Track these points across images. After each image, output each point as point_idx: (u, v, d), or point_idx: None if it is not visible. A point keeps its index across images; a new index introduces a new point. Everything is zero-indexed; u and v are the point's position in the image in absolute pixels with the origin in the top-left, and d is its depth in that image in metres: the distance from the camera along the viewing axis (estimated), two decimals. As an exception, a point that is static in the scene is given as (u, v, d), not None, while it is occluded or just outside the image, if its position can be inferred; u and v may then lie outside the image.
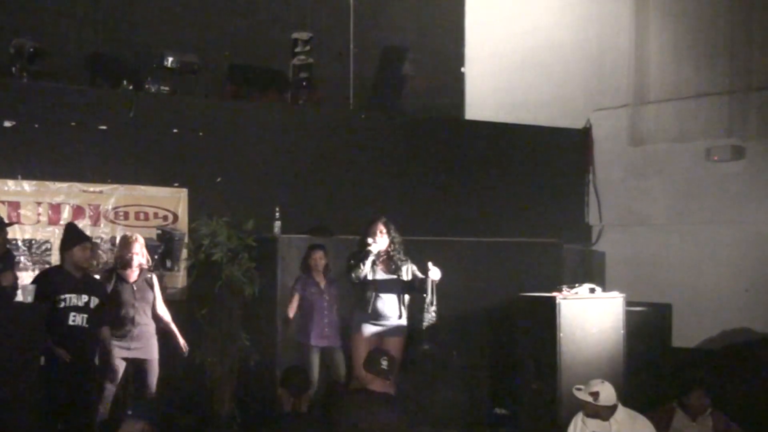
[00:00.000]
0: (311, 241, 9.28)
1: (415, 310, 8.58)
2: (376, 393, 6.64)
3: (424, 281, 8.40)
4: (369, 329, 8.41)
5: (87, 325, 7.74)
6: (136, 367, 8.38)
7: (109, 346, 8.13)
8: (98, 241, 9.07)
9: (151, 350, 8.40)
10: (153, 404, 7.92)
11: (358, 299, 8.47)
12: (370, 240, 8.40)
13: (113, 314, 8.15)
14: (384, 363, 6.72)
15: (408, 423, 6.68)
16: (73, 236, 7.93)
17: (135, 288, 8.35)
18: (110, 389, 8.21)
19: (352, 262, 8.42)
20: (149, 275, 8.48)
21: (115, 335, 8.18)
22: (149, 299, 8.45)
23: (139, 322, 8.31)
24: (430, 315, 8.36)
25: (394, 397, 6.95)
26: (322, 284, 8.94)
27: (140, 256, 8.40)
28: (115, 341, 8.18)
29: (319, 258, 8.93)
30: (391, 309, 8.46)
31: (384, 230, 8.50)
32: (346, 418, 6.47)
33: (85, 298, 7.75)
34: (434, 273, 8.32)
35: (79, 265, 7.80)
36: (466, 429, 9.59)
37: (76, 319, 7.68)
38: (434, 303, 8.36)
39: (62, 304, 7.64)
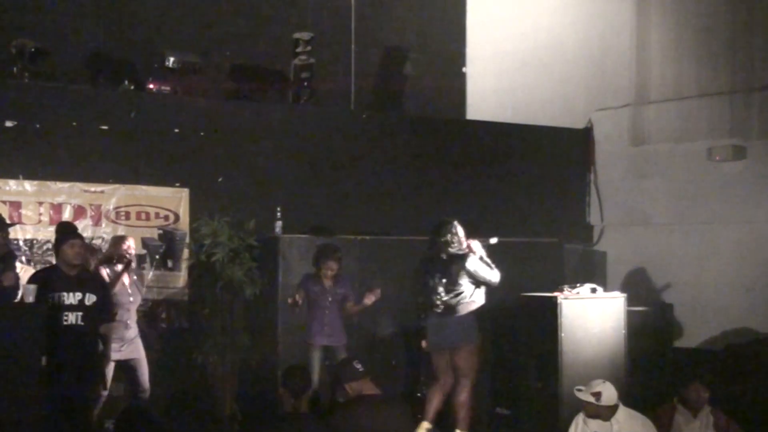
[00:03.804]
0: (314, 244, 9.26)
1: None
2: (375, 396, 6.61)
3: None
4: None
5: (82, 323, 7.61)
6: (127, 367, 8.36)
7: (108, 349, 8.07)
8: (99, 240, 9.07)
9: (139, 349, 8.42)
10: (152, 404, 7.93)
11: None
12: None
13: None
14: (359, 365, 6.73)
15: (409, 421, 6.67)
16: (62, 234, 7.85)
17: (130, 291, 8.36)
18: (104, 394, 8.17)
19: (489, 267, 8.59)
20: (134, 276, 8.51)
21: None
22: (138, 300, 8.46)
23: (130, 324, 8.34)
24: None
25: (388, 396, 6.95)
26: (328, 285, 8.95)
27: (133, 255, 8.45)
28: None
29: (331, 269, 8.92)
30: None
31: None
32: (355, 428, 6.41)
33: (78, 295, 7.60)
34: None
35: (70, 262, 7.68)
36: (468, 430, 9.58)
37: (69, 318, 7.53)
38: None
39: (54, 303, 7.48)
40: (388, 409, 6.55)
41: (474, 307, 8.54)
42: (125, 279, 8.37)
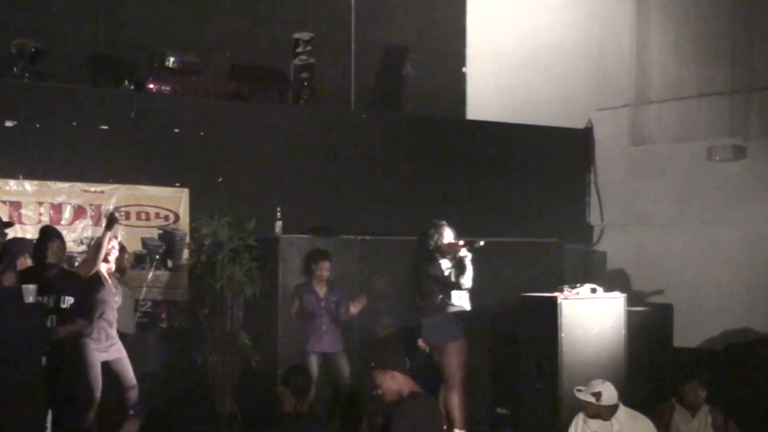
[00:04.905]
0: (314, 244, 9.25)
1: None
2: (421, 393, 6.57)
3: None
4: None
5: (57, 327, 7.44)
6: (113, 367, 8.17)
7: (85, 350, 7.88)
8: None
9: (122, 348, 8.23)
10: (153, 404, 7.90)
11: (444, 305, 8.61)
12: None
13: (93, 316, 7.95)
14: (407, 361, 6.69)
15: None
16: (42, 234, 7.71)
17: (114, 290, 8.22)
18: (97, 396, 8.07)
19: (455, 274, 8.57)
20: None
21: (92, 337, 7.97)
22: (120, 300, 8.36)
23: (112, 323, 8.18)
24: None
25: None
26: (321, 292, 8.90)
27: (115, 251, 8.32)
28: (93, 344, 7.96)
29: (326, 269, 8.91)
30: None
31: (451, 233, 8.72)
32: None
33: (54, 297, 7.46)
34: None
35: (47, 263, 7.55)
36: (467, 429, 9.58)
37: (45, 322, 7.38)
38: None
39: None
40: (434, 405, 6.65)
41: (451, 309, 8.60)
42: (108, 279, 8.26)
